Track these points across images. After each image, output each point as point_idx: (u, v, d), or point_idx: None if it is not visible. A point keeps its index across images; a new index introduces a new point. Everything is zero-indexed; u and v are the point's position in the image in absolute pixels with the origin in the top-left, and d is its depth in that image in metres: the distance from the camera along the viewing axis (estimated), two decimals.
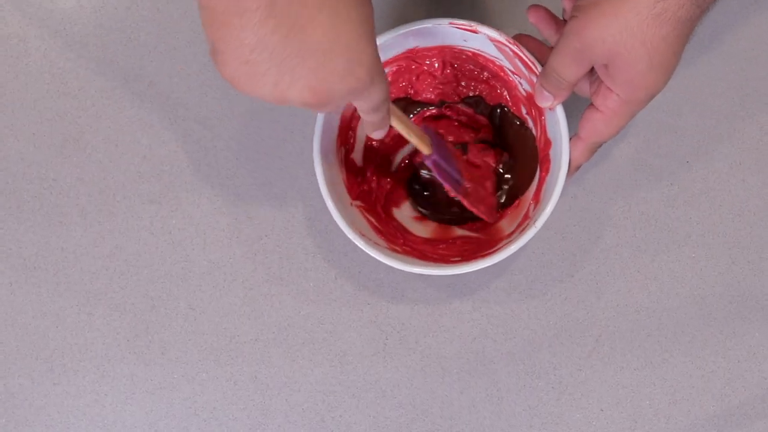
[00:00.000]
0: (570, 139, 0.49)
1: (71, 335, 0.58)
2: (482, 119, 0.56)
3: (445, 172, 0.51)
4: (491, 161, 0.56)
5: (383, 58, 0.51)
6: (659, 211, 0.60)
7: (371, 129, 0.45)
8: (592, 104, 0.47)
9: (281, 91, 0.35)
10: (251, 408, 0.58)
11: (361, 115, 0.42)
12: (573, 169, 0.49)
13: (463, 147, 0.56)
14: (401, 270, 0.51)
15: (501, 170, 0.56)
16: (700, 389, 0.59)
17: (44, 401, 0.58)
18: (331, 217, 0.50)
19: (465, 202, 0.53)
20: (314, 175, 0.51)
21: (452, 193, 0.52)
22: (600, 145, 0.49)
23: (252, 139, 0.59)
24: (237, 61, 0.34)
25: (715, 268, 0.59)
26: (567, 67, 0.45)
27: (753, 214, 0.59)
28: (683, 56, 0.57)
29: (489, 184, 0.56)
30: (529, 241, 0.59)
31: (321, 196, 0.51)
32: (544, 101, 0.49)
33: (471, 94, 0.56)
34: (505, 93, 0.55)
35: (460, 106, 0.56)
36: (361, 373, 0.58)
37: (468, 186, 0.53)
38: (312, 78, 0.35)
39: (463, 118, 0.57)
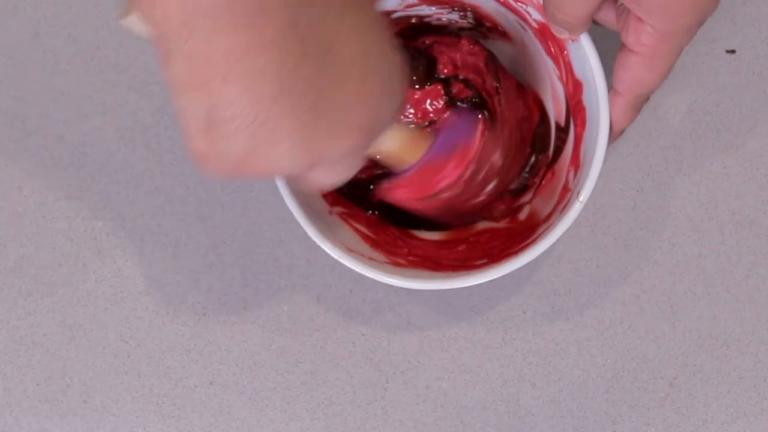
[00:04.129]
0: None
1: None
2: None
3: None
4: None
5: None
6: (756, 210, 0.54)
7: (331, 177, 0.38)
8: (623, 45, 0.43)
9: (315, 146, 0.32)
10: None
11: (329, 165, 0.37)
12: (615, 134, 0.47)
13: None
14: (408, 288, 0.47)
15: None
16: None
17: None
18: None
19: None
20: None
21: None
22: (646, 99, 0.45)
23: None
24: (254, 124, 0.30)
25: None
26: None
27: None
28: None
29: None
30: (578, 247, 0.54)
31: None
32: (559, 33, 0.47)
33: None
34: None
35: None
36: (352, 428, 0.54)
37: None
38: (354, 109, 0.33)
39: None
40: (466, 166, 0.47)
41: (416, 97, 0.53)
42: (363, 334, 0.53)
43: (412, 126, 0.48)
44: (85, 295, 0.52)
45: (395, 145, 0.42)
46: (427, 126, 0.50)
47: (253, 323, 0.53)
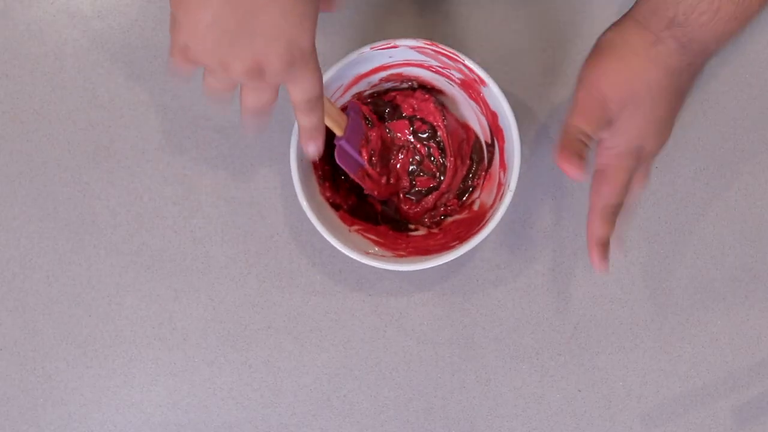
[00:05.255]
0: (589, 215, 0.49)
1: (102, 323, 0.60)
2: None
3: (348, 156, 0.52)
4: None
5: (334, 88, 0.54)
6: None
7: (306, 137, 0.46)
8: (595, 170, 0.48)
9: (226, 61, 0.39)
10: (264, 389, 0.60)
11: (297, 113, 0.44)
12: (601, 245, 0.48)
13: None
14: (410, 270, 0.53)
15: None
16: (668, 372, 0.61)
17: (78, 383, 0.60)
18: None
19: (363, 184, 0.54)
20: None
21: (353, 176, 0.53)
22: (615, 211, 0.48)
23: (265, 149, 0.60)
24: (192, 32, 0.37)
25: (681, 262, 0.61)
26: (588, 117, 0.45)
27: (715, 214, 0.61)
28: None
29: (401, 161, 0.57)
30: (513, 237, 0.60)
31: None
32: (571, 173, 0.46)
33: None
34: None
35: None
36: (363, 357, 0.60)
37: (368, 169, 0.54)
38: (257, 54, 0.39)
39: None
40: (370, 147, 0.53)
41: (389, 125, 0.58)
42: (370, 295, 0.59)
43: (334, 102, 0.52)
44: (185, 268, 0.59)
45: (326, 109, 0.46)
46: (342, 108, 0.52)
47: (297, 287, 0.59)
